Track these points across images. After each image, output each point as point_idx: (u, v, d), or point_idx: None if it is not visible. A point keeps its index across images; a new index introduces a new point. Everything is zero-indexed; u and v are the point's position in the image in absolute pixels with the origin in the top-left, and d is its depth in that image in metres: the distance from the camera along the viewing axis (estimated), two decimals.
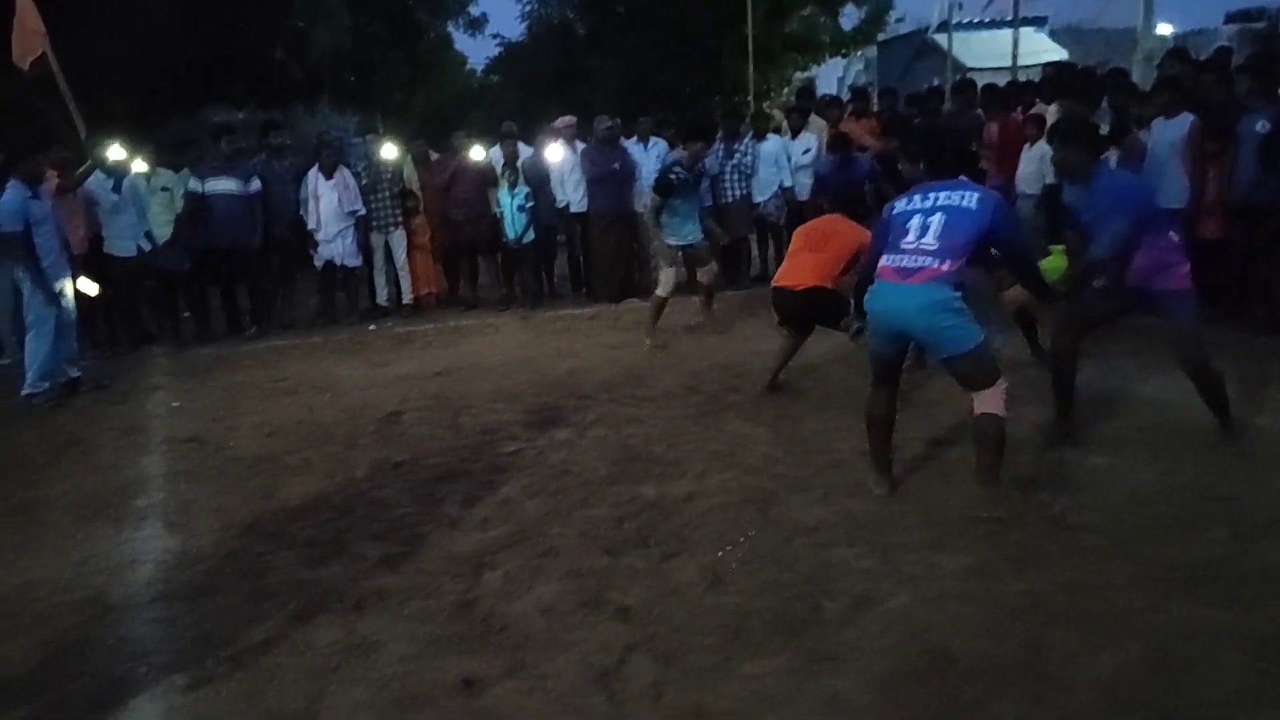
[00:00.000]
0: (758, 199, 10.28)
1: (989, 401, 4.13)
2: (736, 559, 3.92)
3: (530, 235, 10.07)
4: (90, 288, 7.82)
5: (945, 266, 4.08)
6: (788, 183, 10.17)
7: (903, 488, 4.53)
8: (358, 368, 7.95)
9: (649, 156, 10.32)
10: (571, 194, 10.35)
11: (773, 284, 6.48)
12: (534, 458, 5.38)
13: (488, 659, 3.26)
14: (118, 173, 8.78)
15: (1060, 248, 5.17)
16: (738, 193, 10.26)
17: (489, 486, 4.97)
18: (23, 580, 4.16)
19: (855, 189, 8.42)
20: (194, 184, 9.19)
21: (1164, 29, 19.24)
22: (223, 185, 9.19)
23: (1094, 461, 4.69)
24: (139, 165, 9.16)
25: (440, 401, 6.66)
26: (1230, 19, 20.96)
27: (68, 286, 7.39)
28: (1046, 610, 3.31)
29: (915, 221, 4.23)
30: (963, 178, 4.44)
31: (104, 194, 8.66)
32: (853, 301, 5.67)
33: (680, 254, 7.98)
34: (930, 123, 9.75)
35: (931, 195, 4.28)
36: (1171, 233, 4.73)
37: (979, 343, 4.11)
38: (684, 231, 7.81)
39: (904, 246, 4.20)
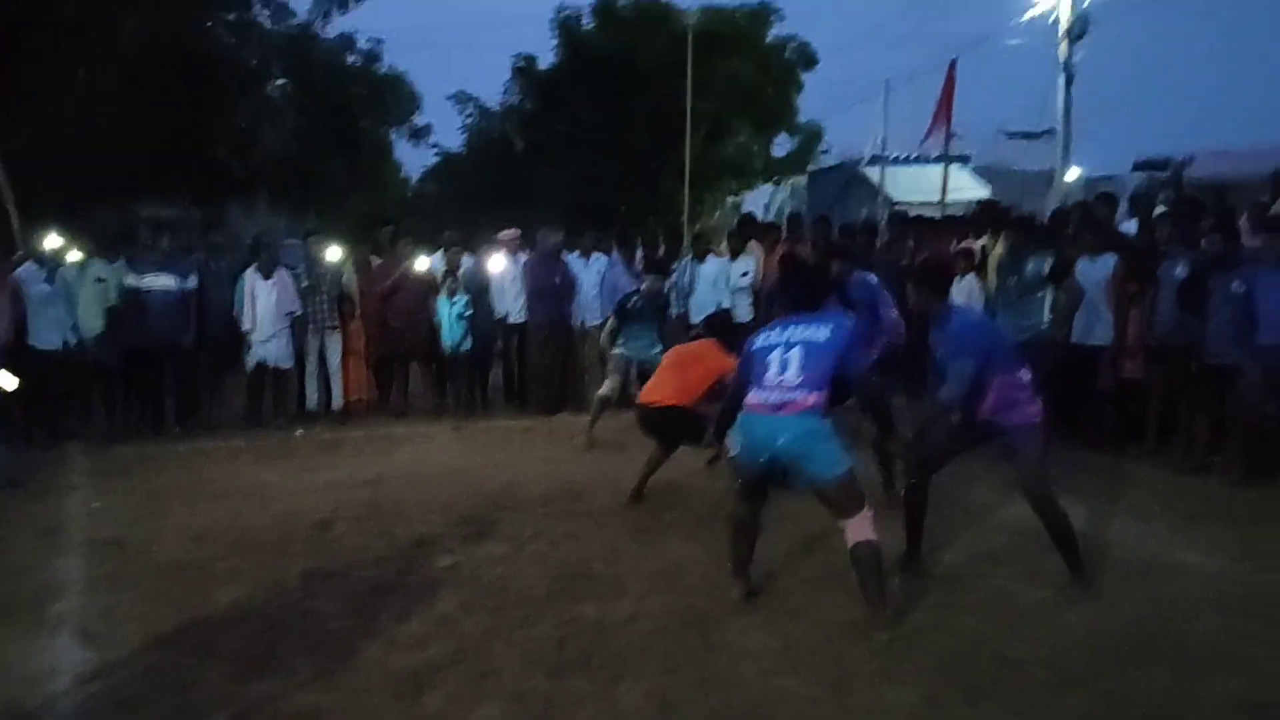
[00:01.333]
0: (695, 319, 10.42)
1: (860, 529, 4.29)
2: (684, 684, 3.86)
3: (467, 344, 10.06)
4: (9, 382, 7.54)
5: (812, 399, 4.33)
6: (725, 304, 10.33)
7: (846, 616, 4.51)
8: (287, 472, 7.76)
9: (590, 271, 10.47)
10: (511, 304, 10.40)
11: (638, 399, 6.84)
12: (471, 572, 5.28)
13: None
14: (50, 263, 8.61)
15: None
16: (674, 311, 10.41)
17: (425, 601, 4.85)
18: None
19: None
20: (131, 278, 9.02)
21: (1075, 172, 20.20)
22: (160, 281, 9.04)
23: (1035, 595, 4.75)
24: (73, 255, 8.99)
25: (372, 510, 6.53)
26: (1138, 167, 22.13)
27: None
28: None
29: (775, 356, 4.47)
30: (821, 309, 4.74)
31: (34, 284, 8.47)
32: (712, 428, 5.94)
33: (630, 367, 8.29)
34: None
35: (788, 329, 4.54)
36: (1022, 371, 4.84)
37: (848, 469, 4.33)
38: (637, 346, 8.18)
39: (768, 383, 4.43)
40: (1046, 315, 7.61)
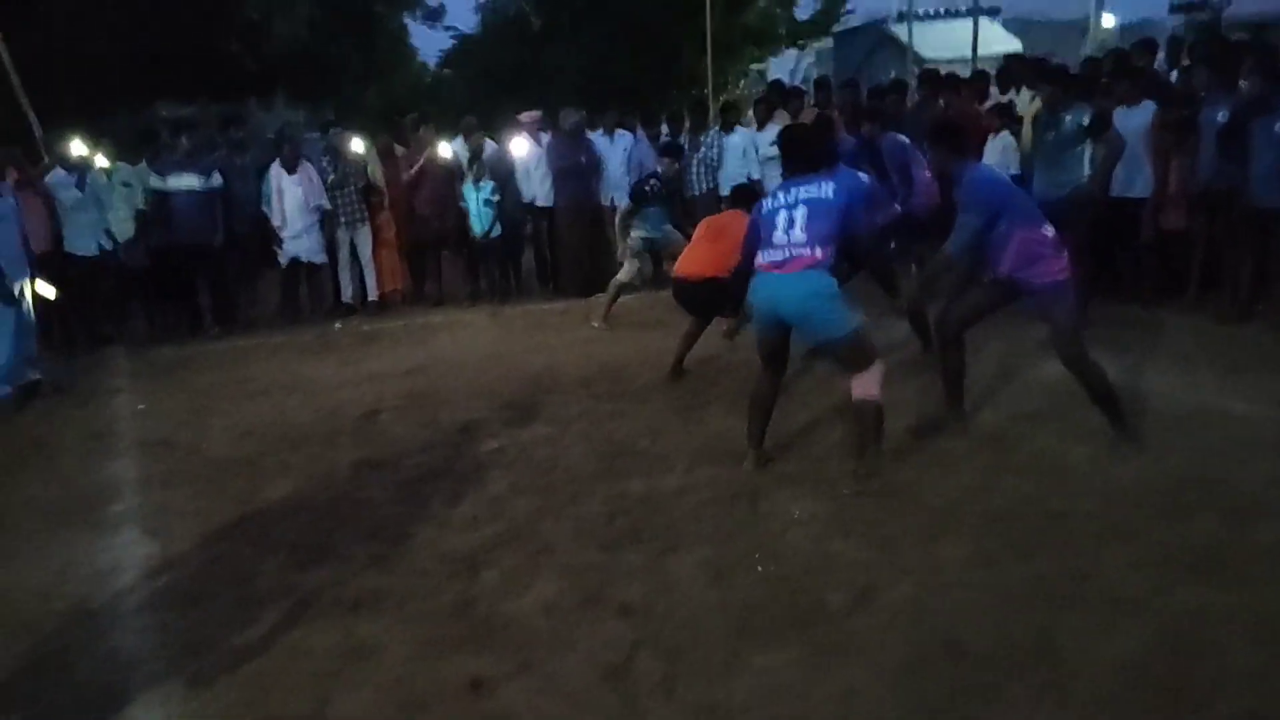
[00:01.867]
0: (724, 191, 10.26)
1: (865, 385, 4.41)
2: (735, 553, 3.91)
3: (497, 230, 9.98)
4: (48, 291, 7.60)
5: (818, 255, 4.38)
6: (755, 174, 10.15)
7: (892, 480, 4.52)
8: (328, 366, 7.82)
9: (615, 149, 10.28)
10: (538, 188, 10.26)
11: (673, 274, 6.82)
12: (517, 454, 5.33)
13: (494, 659, 3.22)
14: (79, 169, 8.57)
15: None
16: (704, 186, 10.25)
17: (475, 484, 4.91)
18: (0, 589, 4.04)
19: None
20: (155, 180, 8.98)
21: (1109, 20, 19.48)
22: (184, 181, 8.98)
23: (1081, 451, 4.72)
24: (100, 161, 8.94)
25: (416, 399, 6.57)
26: (1174, 9, 21.32)
27: (26, 287, 7.19)
28: (1053, 597, 3.34)
29: (781, 218, 4.52)
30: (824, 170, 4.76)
31: (65, 191, 8.45)
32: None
33: (647, 251, 8.22)
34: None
35: (793, 190, 4.57)
36: (1044, 227, 4.73)
37: (855, 328, 4.43)
38: (652, 229, 8.08)
39: (775, 242, 4.49)
40: (1086, 169, 7.39)
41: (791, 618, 3.36)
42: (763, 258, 4.54)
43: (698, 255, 6.51)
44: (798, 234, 4.43)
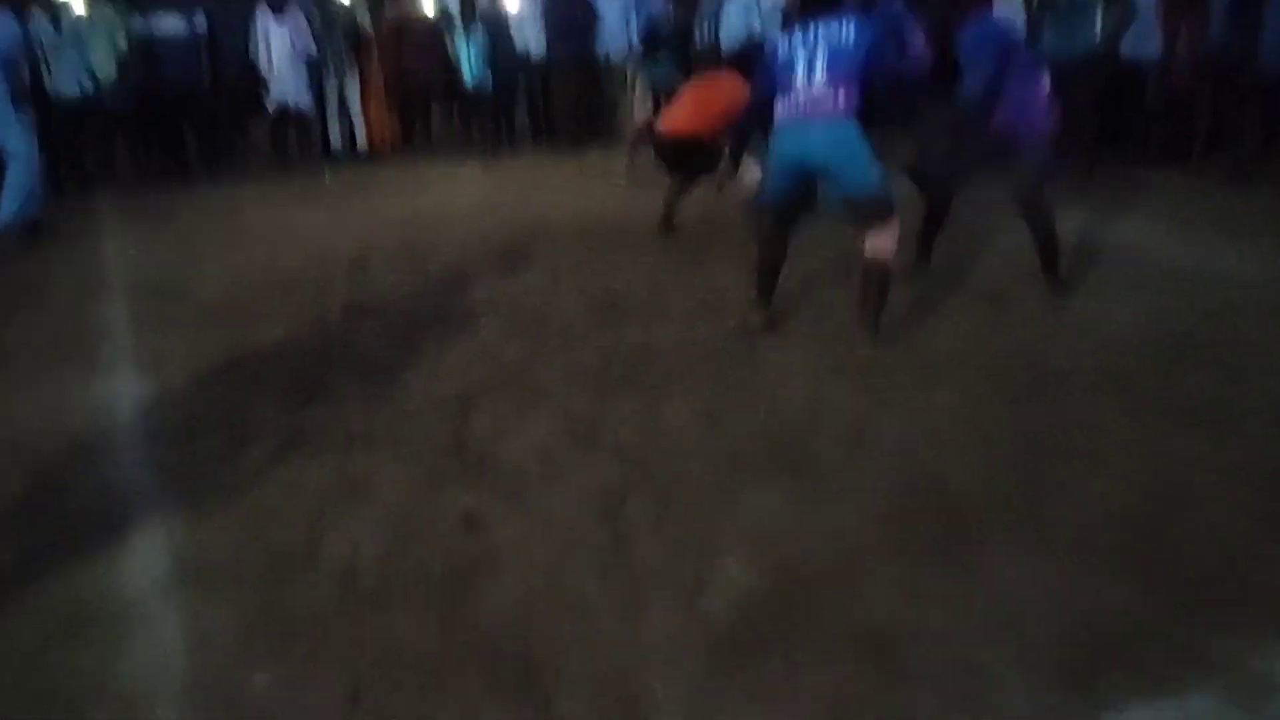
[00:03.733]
0: (727, 45, 9.96)
1: (880, 244, 4.24)
2: (728, 399, 3.91)
3: (489, 82, 9.73)
4: None
5: (842, 100, 4.18)
6: (759, 28, 9.86)
7: (889, 332, 4.50)
8: (317, 213, 7.71)
9: (611, 3, 9.93)
10: (532, 40, 9.97)
11: (657, 128, 6.68)
12: (510, 303, 5.29)
13: (486, 496, 3.23)
14: (54, 10, 8.31)
15: None
16: (707, 39, 9.96)
17: (466, 331, 4.88)
18: None
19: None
20: (138, 22, 8.70)
21: None
22: (167, 25, 8.71)
23: (1081, 306, 4.72)
24: (78, 5, 8.68)
25: (406, 247, 6.50)
26: None
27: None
28: (1044, 444, 3.35)
29: (800, 61, 4.26)
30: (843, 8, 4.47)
31: (45, 33, 8.20)
32: (728, 149, 5.94)
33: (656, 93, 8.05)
34: None
35: (810, 33, 4.30)
36: (1041, 81, 4.72)
37: (879, 178, 4.21)
38: (661, 74, 7.87)
39: (795, 88, 4.25)
40: (1099, 30, 7.18)
41: (783, 461, 3.37)
42: (783, 108, 4.31)
43: (685, 112, 6.35)
44: (819, 78, 4.20)
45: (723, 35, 9.91)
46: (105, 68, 8.61)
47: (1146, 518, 2.90)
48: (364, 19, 9.78)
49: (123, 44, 8.68)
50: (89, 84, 8.48)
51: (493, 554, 2.90)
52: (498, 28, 9.81)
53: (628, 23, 9.94)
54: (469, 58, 9.61)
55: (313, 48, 9.32)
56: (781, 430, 3.62)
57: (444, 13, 9.83)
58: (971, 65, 4.63)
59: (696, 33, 9.95)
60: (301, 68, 9.30)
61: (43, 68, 8.24)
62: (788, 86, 4.29)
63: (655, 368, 4.29)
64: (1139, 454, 3.27)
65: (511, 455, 3.54)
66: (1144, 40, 7.47)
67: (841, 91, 4.18)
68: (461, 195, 8.20)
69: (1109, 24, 7.09)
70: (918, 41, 6.95)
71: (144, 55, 8.75)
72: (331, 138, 9.87)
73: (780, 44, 4.45)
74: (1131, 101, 7.80)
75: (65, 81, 8.36)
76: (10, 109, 6.81)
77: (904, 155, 5.75)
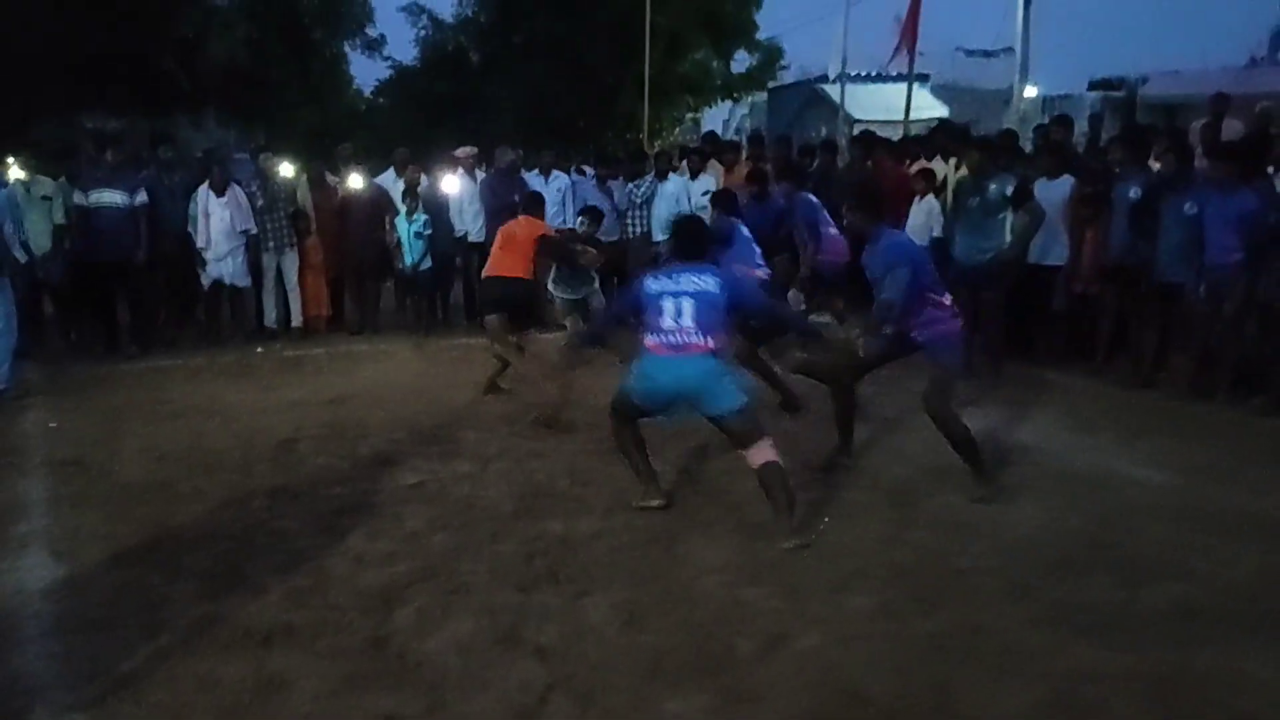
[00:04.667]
0: (657, 237, 10.42)
1: (762, 453, 4.57)
2: (649, 597, 3.97)
3: (427, 262, 9.99)
4: None
5: (710, 343, 4.62)
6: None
7: (805, 529, 4.63)
8: (247, 391, 7.73)
9: (550, 190, 10.36)
10: (470, 223, 10.32)
11: (482, 276, 7.57)
12: (437, 490, 5.34)
13: (406, 697, 3.23)
14: None
15: None
16: (638, 230, 10.43)
17: (393, 519, 4.91)
18: None
19: (774, 225, 8.66)
20: (78, 195, 8.82)
21: (1031, 91, 20.19)
22: (107, 197, 8.84)
23: (983, 509, 4.91)
24: (15, 172, 8.77)
25: (336, 429, 6.54)
26: (1094, 86, 22.27)
27: None
28: (953, 651, 3.47)
29: (669, 304, 4.71)
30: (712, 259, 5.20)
31: None
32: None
33: (575, 311, 8.15)
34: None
35: (678, 278, 4.80)
36: (944, 293, 5.17)
37: (746, 402, 4.62)
38: (572, 289, 8.01)
39: (665, 327, 4.68)
40: (1008, 236, 7.69)
41: (702, 663, 3.43)
42: (654, 340, 4.69)
43: (496, 261, 7.24)
44: (687, 323, 4.62)
45: (654, 226, 10.39)
46: (40, 239, 8.66)
47: None
48: (304, 196, 10.04)
49: (59, 217, 8.74)
50: (21, 254, 8.48)
51: None
52: (436, 209, 10.14)
53: (563, 208, 10.37)
54: (409, 238, 9.88)
55: (252, 224, 9.51)
56: (700, 630, 3.69)
57: (383, 193, 10.13)
58: (890, 271, 4.95)
59: (625, 224, 10.42)
60: (239, 243, 9.47)
61: None
62: (657, 326, 4.70)
63: (577, 561, 4.36)
64: (1048, 662, 3.40)
65: (433, 652, 3.55)
66: (1050, 246, 7.98)
67: (709, 337, 4.61)
68: (394, 375, 8.30)
69: (1018, 229, 7.59)
70: (830, 231, 7.50)
71: (82, 227, 8.81)
72: (265, 313, 9.96)
73: (649, 281, 4.89)
74: (1038, 305, 8.27)
75: None
76: None
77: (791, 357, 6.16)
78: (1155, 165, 7.80)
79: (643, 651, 3.52)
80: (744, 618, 3.78)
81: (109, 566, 4.36)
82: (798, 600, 3.93)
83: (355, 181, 10.14)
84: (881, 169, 9.88)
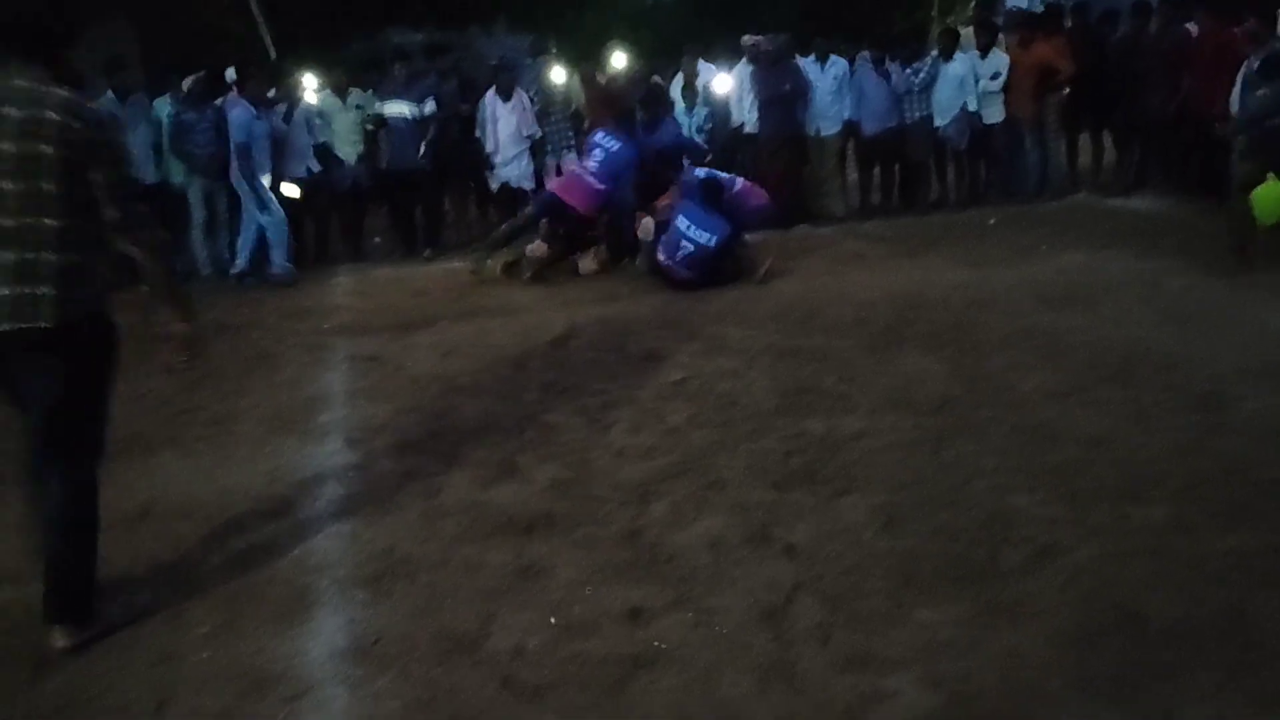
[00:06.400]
0: (939, 122, 9.81)
1: None
2: (910, 500, 3.79)
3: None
4: (292, 190, 8.81)
5: None
6: (972, 106, 9.67)
7: (1095, 433, 4.26)
8: (531, 291, 8.01)
9: (825, 76, 9.95)
10: (747, 114, 10.10)
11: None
12: (700, 387, 5.33)
13: (654, 590, 3.26)
14: (287, 101, 9.34)
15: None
16: (917, 114, 9.83)
17: (655, 415, 4.95)
18: (219, 488, 4.39)
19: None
20: (378, 106, 9.48)
21: None
22: (398, 108, 9.40)
23: None
24: (310, 95, 9.59)
25: (607, 326, 6.67)
26: None
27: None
28: (1253, 572, 3.06)
29: None
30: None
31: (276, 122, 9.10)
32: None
33: None
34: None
35: None
36: None
37: None
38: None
39: None
40: None
41: (961, 572, 3.23)
42: None
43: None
44: None
45: (936, 112, 9.78)
46: (346, 148, 9.45)
47: None
48: (578, 97, 10.20)
49: (368, 124, 9.47)
50: (315, 165, 9.30)
51: (653, 652, 2.91)
52: (717, 102, 10.04)
53: (839, 93, 9.97)
54: (690, 132, 9.81)
55: (536, 129, 9.81)
56: (963, 537, 3.47)
57: (657, 87, 10.08)
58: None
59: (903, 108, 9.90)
60: (525, 148, 9.79)
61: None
62: None
63: (837, 460, 4.22)
64: None
65: (684, 547, 3.55)
66: None
67: None
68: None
69: None
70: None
71: (382, 136, 9.49)
72: None
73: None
74: None
75: (292, 166, 9.19)
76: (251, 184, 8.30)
77: None
78: None
79: (898, 556, 3.37)
80: (1013, 525, 3.52)
81: (396, 454, 4.68)
82: (1076, 509, 3.61)
83: (622, 78, 10.17)
84: (1202, 31, 8.77)
